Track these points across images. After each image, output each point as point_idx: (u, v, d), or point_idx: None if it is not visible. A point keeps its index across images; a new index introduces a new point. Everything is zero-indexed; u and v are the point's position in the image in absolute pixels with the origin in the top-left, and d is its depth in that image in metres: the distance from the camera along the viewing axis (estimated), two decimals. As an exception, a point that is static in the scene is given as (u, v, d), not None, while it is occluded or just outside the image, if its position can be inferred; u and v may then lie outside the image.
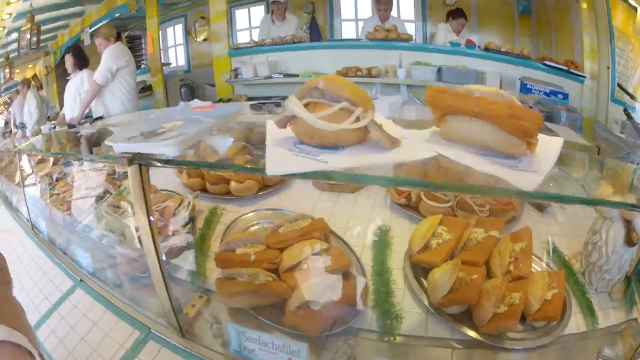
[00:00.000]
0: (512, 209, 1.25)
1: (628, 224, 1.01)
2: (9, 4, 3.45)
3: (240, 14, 4.14)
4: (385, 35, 3.41)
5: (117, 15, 4.80)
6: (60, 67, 5.60)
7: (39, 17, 4.01)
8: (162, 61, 4.21)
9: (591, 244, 1.10)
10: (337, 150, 0.68)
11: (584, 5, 3.99)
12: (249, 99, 3.44)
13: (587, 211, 1.17)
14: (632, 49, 4.04)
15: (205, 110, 1.14)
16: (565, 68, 3.77)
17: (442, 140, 0.70)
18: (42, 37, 4.11)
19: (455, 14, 4.05)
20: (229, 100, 3.38)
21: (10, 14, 3.67)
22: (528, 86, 3.61)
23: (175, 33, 4.85)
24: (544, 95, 3.70)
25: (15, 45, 4.50)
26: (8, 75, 5.06)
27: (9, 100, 6.27)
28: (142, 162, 0.93)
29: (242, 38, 3.92)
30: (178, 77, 4.24)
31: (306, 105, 0.69)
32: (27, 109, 4.51)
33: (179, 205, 1.43)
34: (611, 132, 2.07)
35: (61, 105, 4.89)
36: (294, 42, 3.53)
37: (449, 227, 1.13)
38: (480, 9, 4.54)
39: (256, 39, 3.89)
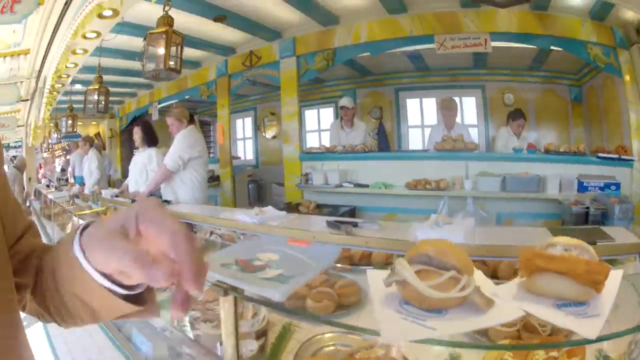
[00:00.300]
0: None
1: None
2: (74, 53, 3.48)
3: (310, 115, 4.54)
4: (452, 146, 3.57)
5: (187, 97, 5.13)
6: (125, 133, 6.09)
7: (106, 77, 4.21)
8: (232, 153, 4.47)
9: (634, 343, 1.18)
10: (441, 313, 0.75)
11: (627, 78, 4.11)
12: (318, 205, 3.55)
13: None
14: None
15: (300, 246, 1.21)
16: (616, 156, 3.91)
17: (526, 295, 0.78)
18: (109, 99, 4.35)
19: (515, 115, 4.20)
20: (297, 205, 3.53)
21: (76, 64, 3.80)
22: (585, 184, 3.72)
23: (244, 126, 5.27)
24: (599, 191, 3.75)
25: (79, 97, 4.69)
26: (71, 128, 5.38)
27: (67, 147, 6.54)
28: (238, 295, 0.93)
29: (311, 139, 4.26)
30: (246, 172, 4.64)
31: (416, 272, 0.75)
32: (88, 166, 4.73)
33: (253, 316, 1.44)
34: None
35: (123, 171, 5.29)
36: (365, 152, 3.75)
37: (514, 352, 1.23)
38: (536, 105, 4.94)
39: (325, 143, 4.14)
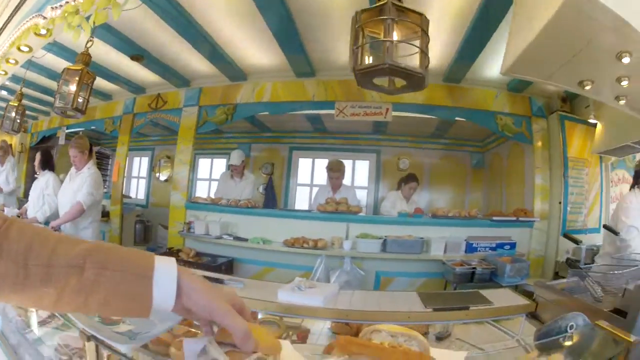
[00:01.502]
0: None
1: None
2: (7, 61, 3.96)
3: (204, 163, 4.78)
4: (335, 208, 4.10)
5: (92, 127, 5.79)
6: (32, 150, 6.33)
7: (27, 91, 4.65)
8: (124, 192, 4.72)
9: None
10: None
11: (539, 144, 4.69)
12: (197, 254, 4.14)
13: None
14: (587, 173, 4.88)
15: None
16: (514, 219, 4.40)
17: None
18: (25, 117, 4.77)
19: (407, 179, 4.72)
20: (178, 251, 4.21)
21: (6, 72, 4.23)
22: (473, 245, 4.19)
23: (141, 164, 5.49)
24: (490, 251, 4.23)
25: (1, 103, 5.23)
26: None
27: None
28: (98, 343, 1.12)
29: (201, 187, 4.51)
30: (135, 212, 5.00)
31: (227, 352, 0.90)
32: (5, 175, 5.33)
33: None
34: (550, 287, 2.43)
35: (26, 188, 5.52)
36: (247, 207, 4.27)
37: None
38: (433, 170, 5.56)
39: (213, 195, 4.73)
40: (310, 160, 5.34)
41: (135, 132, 5.22)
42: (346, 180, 4.72)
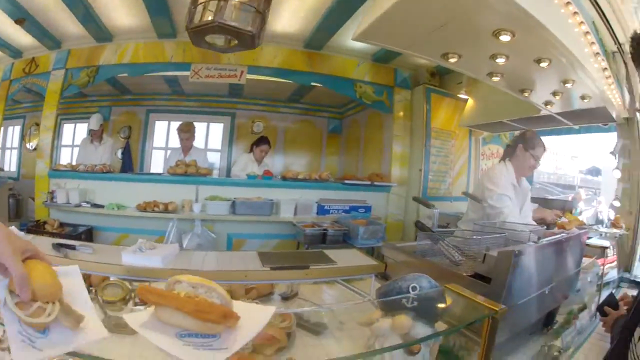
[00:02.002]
0: (277, 341, 1.60)
1: (405, 336, 1.29)
2: None
3: (68, 129, 4.88)
4: (184, 170, 4.44)
5: None
6: None
7: None
8: None
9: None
10: (45, 334, 0.88)
11: (400, 114, 5.13)
12: (61, 224, 4.26)
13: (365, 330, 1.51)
14: (453, 144, 5.35)
15: None
16: (368, 182, 4.83)
17: (155, 323, 0.97)
18: None
19: (259, 141, 5.09)
20: (44, 223, 4.36)
21: None
22: (325, 207, 4.61)
23: (14, 134, 5.53)
24: (343, 214, 4.64)
25: None
26: None
27: None
28: None
29: (65, 155, 4.64)
30: (8, 185, 5.01)
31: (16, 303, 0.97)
32: None
33: None
34: (399, 249, 2.56)
35: None
36: (103, 172, 4.57)
37: None
38: (288, 134, 6.00)
39: (75, 162, 4.98)
40: (166, 123, 5.67)
41: (10, 99, 5.39)
42: (199, 143, 5.14)
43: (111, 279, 2.32)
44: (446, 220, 4.15)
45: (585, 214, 4.68)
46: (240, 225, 4.36)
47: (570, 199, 5.36)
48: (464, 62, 2.85)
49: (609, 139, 4.28)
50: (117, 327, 1.55)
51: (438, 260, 2.16)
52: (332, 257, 2.70)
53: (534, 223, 3.18)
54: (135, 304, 2.15)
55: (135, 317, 1.01)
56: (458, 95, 5.29)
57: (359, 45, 4.45)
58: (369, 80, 5.00)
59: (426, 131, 5.03)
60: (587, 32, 2.55)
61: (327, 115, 6.24)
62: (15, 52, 5.12)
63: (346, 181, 4.81)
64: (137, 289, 1.15)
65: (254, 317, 1.05)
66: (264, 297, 2.40)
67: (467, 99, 5.29)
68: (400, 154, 5.12)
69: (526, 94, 3.56)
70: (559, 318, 2.44)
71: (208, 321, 0.93)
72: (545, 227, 3.16)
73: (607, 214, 4.38)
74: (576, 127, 4.72)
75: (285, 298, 2.42)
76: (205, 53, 4.34)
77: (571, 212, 4.35)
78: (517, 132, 4.60)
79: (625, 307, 1.91)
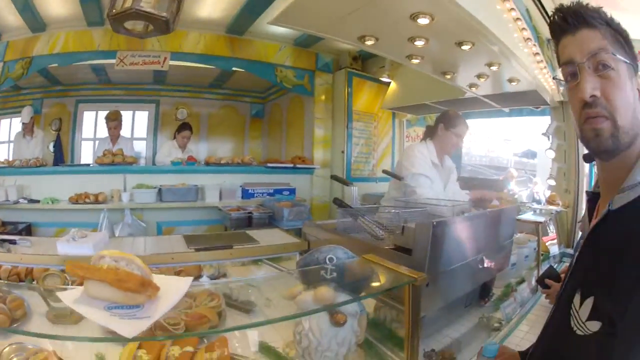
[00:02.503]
0: (207, 320, 1.68)
1: (329, 307, 1.35)
2: None
3: (4, 124, 5.10)
4: (112, 160, 4.67)
5: None
6: None
7: None
8: None
9: (297, 334, 1.44)
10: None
11: (322, 97, 5.43)
12: (3, 223, 4.30)
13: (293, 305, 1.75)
14: (376, 126, 5.68)
15: None
16: (290, 165, 5.16)
17: (87, 298, 1.06)
18: None
19: (181, 128, 5.35)
20: None
21: None
22: (250, 191, 4.93)
23: None
24: (268, 197, 4.95)
25: None
26: None
27: None
28: None
29: (2, 151, 4.88)
30: None
31: None
32: None
33: None
34: (320, 227, 2.72)
35: None
36: (37, 166, 4.72)
37: (147, 349, 1.50)
38: (212, 120, 6.29)
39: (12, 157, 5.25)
40: (95, 113, 5.81)
41: None
42: (126, 132, 5.35)
43: (50, 270, 2.47)
44: (372, 201, 4.33)
45: (521, 195, 5.01)
46: (168, 213, 4.57)
47: (501, 178, 5.70)
48: (382, 44, 2.92)
49: (544, 122, 4.44)
50: (58, 319, 1.77)
51: (360, 236, 2.26)
52: (255, 237, 2.83)
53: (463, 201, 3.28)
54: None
55: (69, 294, 1.11)
56: (380, 78, 5.56)
57: (281, 30, 4.63)
58: (290, 65, 5.22)
59: (347, 114, 5.31)
60: (518, 19, 2.68)
61: (249, 100, 6.46)
62: None
63: (269, 164, 5.11)
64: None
65: (173, 288, 1.16)
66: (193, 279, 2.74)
67: (390, 82, 5.55)
68: (322, 136, 5.41)
69: (448, 77, 3.66)
70: (497, 291, 2.61)
71: (128, 290, 1.03)
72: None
73: (544, 194, 4.65)
74: (506, 110, 4.91)
75: (214, 279, 2.59)
76: (130, 40, 4.47)
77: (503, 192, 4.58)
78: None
79: None
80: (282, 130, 6.19)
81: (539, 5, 3.42)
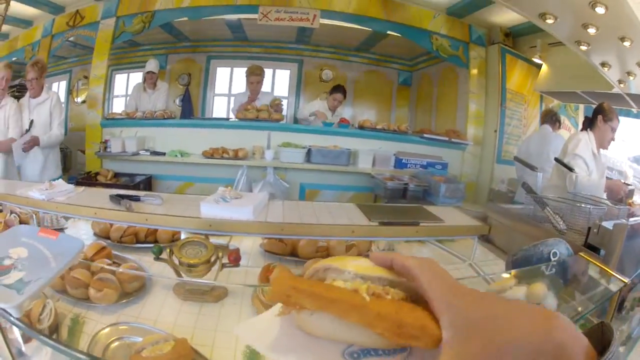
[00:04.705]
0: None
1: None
2: None
3: (120, 79, 4.73)
4: (256, 115, 4.37)
5: (14, 58, 5.28)
6: None
7: None
8: None
9: None
10: None
11: (474, 72, 4.96)
12: (116, 175, 4.29)
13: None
14: (526, 108, 5.14)
15: (49, 238, 1.42)
16: (446, 138, 4.72)
17: (296, 336, 0.61)
18: None
19: (334, 90, 4.98)
20: (96, 174, 4.36)
21: None
22: (403, 161, 4.50)
23: (59, 90, 5.35)
24: (420, 168, 4.53)
25: None
26: None
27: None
28: None
29: (118, 105, 4.48)
30: None
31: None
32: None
33: (42, 309, 1.57)
34: (505, 211, 2.55)
35: None
36: (164, 118, 4.54)
37: None
38: (358, 84, 5.71)
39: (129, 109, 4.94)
40: (229, 69, 5.38)
41: (52, 55, 5.19)
42: (266, 88, 5.04)
43: (189, 236, 2.09)
44: (516, 184, 4.16)
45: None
46: (314, 175, 4.27)
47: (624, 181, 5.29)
48: (558, 25, 2.96)
49: None
50: (192, 294, 1.55)
51: (544, 227, 2.11)
52: (437, 215, 2.50)
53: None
54: (223, 266, 1.97)
55: (254, 327, 0.66)
56: (532, 59, 5.18)
57: None
58: (445, 34, 4.91)
59: (501, 91, 4.94)
60: None
61: (397, 67, 5.90)
62: (55, 8, 5.01)
63: (425, 135, 4.79)
64: (274, 281, 0.63)
65: None
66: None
67: (541, 64, 5.20)
68: (475, 112, 5.03)
69: (606, 69, 3.67)
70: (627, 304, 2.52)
71: (408, 340, 0.56)
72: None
73: None
74: (635, 111, 4.74)
75: None
76: None
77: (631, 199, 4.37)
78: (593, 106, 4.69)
79: None
80: (432, 101, 5.70)
81: None
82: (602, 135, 3.41)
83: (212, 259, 1.90)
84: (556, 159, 3.81)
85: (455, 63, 5.04)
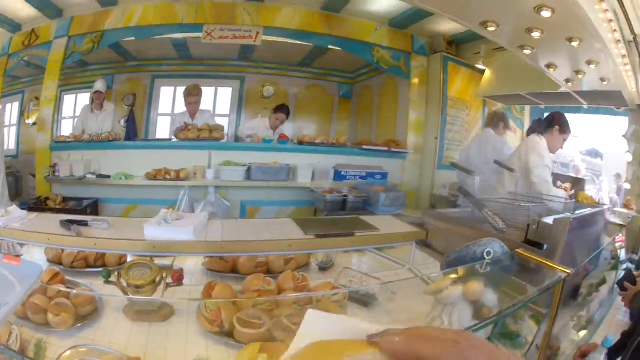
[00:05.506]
0: None
1: (475, 303, 1.34)
2: None
3: (69, 100, 4.76)
4: (197, 135, 4.48)
5: None
6: None
7: None
8: None
9: None
10: None
11: (415, 81, 5.18)
12: (64, 199, 4.21)
13: (415, 300, 1.50)
14: (468, 113, 5.42)
15: (12, 264, 1.44)
16: (385, 149, 4.90)
17: None
18: None
19: (278, 109, 5.11)
20: (46, 199, 4.33)
21: None
22: (342, 173, 4.69)
23: (12, 111, 5.38)
24: (360, 180, 4.72)
25: None
26: None
27: None
28: None
29: (67, 127, 4.56)
30: (6, 163, 4.84)
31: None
32: None
33: (9, 336, 1.62)
34: (442, 216, 2.60)
35: None
36: (109, 140, 4.52)
37: (269, 353, 1.28)
38: (299, 99, 5.93)
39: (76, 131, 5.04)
40: (173, 88, 5.59)
41: (8, 74, 5.32)
42: (207, 106, 5.17)
43: (134, 258, 2.17)
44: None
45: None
46: (254, 192, 4.42)
47: (576, 175, 5.62)
48: (500, 32, 3.04)
49: (615, 122, 4.67)
50: (141, 315, 1.63)
51: (483, 228, 2.18)
52: (372, 224, 2.59)
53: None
54: (168, 286, 2.07)
55: None
56: (475, 65, 5.44)
57: (376, 8, 4.67)
58: (386, 45, 5.09)
59: (443, 99, 5.16)
60: (612, 20, 2.83)
61: (338, 80, 6.26)
62: (14, 26, 5.03)
63: (364, 146, 4.96)
64: None
65: None
66: (302, 267, 2.42)
67: (485, 70, 5.44)
68: (415, 121, 5.26)
69: (552, 70, 3.81)
70: (583, 291, 2.67)
71: None
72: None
73: (609, 195, 4.90)
74: (585, 107, 4.95)
75: (324, 268, 2.39)
76: (219, 14, 4.42)
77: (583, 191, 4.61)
78: (546, 113, 4.66)
79: None
80: (373, 112, 5.99)
81: (622, 7, 3.43)
82: (555, 144, 3.55)
83: (157, 279, 1.98)
84: (496, 161, 3.92)
85: (396, 74, 5.23)
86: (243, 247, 2.06)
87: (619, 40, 3.07)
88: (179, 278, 2.00)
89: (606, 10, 2.69)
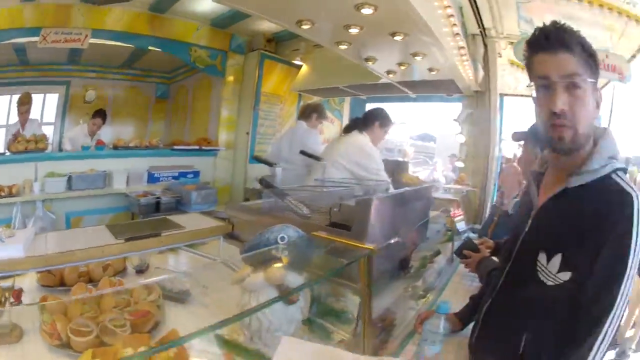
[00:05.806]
0: (152, 316, 1.92)
1: (280, 287, 1.65)
2: None
3: None
4: (25, 147, 5.23)
5: None
6: None
7: None
8: None
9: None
10: None
11: (230, 79, 6.94)
12: None
13: (226, 292, 1.85)
14: (282, 107, 7.45)
15: None
16: (196, 147, 6.54)
17: None
18: None
19: (94, 114, 6.62)
20: None
21: None
22: (155, 175, 6.19)
23: None
24: (172, 180, 6.25)
25: None
26: None
27: None
28: None
29: None
30: None
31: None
32: None
33: None
34: (245, 208, 3.36)
35: None
36: None
37: (102, 358, 1.68)
38: (117, 102, 7.81)
39: None
40: (9, 97, 6.78)
41: None
42: (35, 116, 6.20)
43: None
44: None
45: (420, 175, 6.54)
46: (76, 202, 5.39)
47: (403, 160, 7.20)
48: (316, 29, 3.59)
49: (448, 108, 6.25)
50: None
51: (286, 216, 2.69)
52: (179, 223, 3.30)
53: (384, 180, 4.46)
54: (12, 304, 2.49)
55: None
56: (293, 61, 6.98)
57: (200, 9, 5.85)
58: (204, 45, 6.49)
59: (256, 95, 6.75)
60: (452, 15, 3.44)
61: (155, 80, 7.89)
62: None
63: (175, 147, 6.32)
64: None
65: None
66: (120, 273, 3.05)
67: (302, 65, 6.99)
68: (227, 118, 6.82)
69: (370, 63, 4.55)
70: (414, 264, 3.22)
71: None
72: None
73: (442, 174, 6.49)
74: (413, 95, 6.52)
75: (140, 271, 2.99)
76: (57, 16, 5.23)
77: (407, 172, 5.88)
78: (369, 109, 5.70)
79: (488, 250, 2.83)
80: (188, 111, 7.68)
81: (474, 3, 4.77)
82: (376, 138, 4.62)
83: (3, 300, 2.42)
84: (301, 152, 4.96)
85: (211, 73, 6.67)
86: (65, 258, 2.53)
87: (457, 34, 3.73)
88: (17, 296, 2.50)
89: (447, 7, 3.27)
